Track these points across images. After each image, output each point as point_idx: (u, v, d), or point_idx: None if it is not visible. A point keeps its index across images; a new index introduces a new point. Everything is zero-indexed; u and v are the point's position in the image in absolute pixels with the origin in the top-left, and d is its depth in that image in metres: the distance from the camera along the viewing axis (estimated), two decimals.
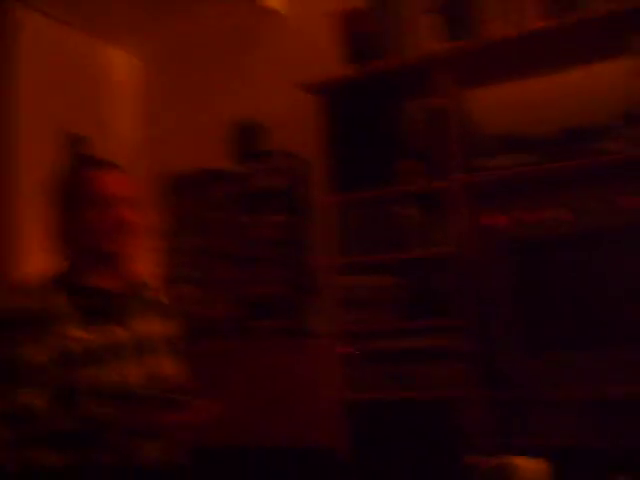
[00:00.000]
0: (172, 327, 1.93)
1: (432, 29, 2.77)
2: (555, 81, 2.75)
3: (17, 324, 1.61)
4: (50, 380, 1.60)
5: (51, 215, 1.77)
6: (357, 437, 2.69)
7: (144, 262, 1.91)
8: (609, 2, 2.43)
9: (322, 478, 1.71)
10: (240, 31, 3.63)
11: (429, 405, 2.61)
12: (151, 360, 1.76)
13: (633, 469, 1.87)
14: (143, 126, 3.97)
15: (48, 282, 1.72)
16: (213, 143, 3.54)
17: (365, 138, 2.87)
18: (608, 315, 2.41)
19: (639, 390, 2.28)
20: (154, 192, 3.51)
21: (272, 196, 3.07)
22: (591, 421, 2.41)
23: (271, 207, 3.06)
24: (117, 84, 4.01)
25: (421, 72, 2.77)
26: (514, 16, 2.60)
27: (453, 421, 2.56)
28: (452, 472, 2.35)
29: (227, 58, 3.67)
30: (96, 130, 3.76)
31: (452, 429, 2.55)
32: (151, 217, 3.32)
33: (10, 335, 1.60)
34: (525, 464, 1.63)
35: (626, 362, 2.31)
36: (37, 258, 3.24)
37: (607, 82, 2.61)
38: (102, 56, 3.93)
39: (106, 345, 1.68)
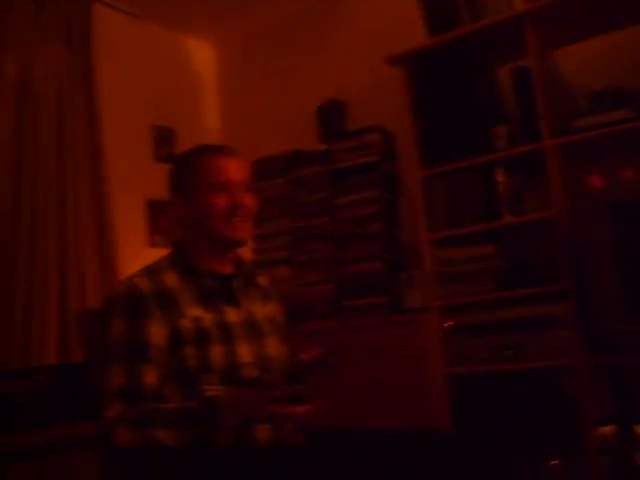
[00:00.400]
0: (276, 309, 1.97)
1: None
2: None
3: (140, 305, 1.66)
4: (167, 359, 1.66)
5: (170, 200, 1.81)
6: (462, 411, 2.66)
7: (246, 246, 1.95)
8: None
9: (428, 458, 1.69)
10: (318, 11, 3.62)
11: (535, 375, 2.55)
12: (259, 341, 1.80)
13: None
14: (227, 114, 4.03)
15: (164, 264, 1.78)
16: (300, 125, 3.56)
17: (453, 107, 2.81)
18: None
19: None
20: None
21: (362, 173, 3.05)
22: None
23: (361, 184, 3.04)
24: (198, 74, 4.08)
25: (508, 34, 2.69)
26: None
27: (561, 392, 2.50)
28: (562, 445, 2.29)
29: (307, 39, 3.67)
30: (181, 121, 3.84)
31: (560, 400, 2.49)
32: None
33: (135, 316, 1.65)
34: None
35: None
36: (133, 249, 3.36)
37: None
38: (181, 48, 4.00)
39: (218, 325, 1.72)
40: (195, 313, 1.70)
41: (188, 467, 1.66)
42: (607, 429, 2.26)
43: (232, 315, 1.77)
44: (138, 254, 3.32)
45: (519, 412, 2.55)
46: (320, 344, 1.72)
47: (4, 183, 2.91)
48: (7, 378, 2.52)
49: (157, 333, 1.65)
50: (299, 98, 3.60)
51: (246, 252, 3.17)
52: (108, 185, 3.29)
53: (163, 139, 3.76)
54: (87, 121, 3.25)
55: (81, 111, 3.23)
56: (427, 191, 2.86)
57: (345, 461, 1.72)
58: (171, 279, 1.73)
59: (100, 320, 1.74)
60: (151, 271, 1.75)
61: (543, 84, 2.62)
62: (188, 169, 1.77)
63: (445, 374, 2.71)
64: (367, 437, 1.83)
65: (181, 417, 1.57)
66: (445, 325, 2.72)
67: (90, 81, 3.29)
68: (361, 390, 2.77)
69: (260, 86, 3.84)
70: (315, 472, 1.45)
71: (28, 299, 2.89)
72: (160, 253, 1.87)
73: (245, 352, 1.74)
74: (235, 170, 1.77)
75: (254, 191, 1.83)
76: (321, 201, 3.14)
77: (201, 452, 1.66)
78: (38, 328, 2.89)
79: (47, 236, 2.99)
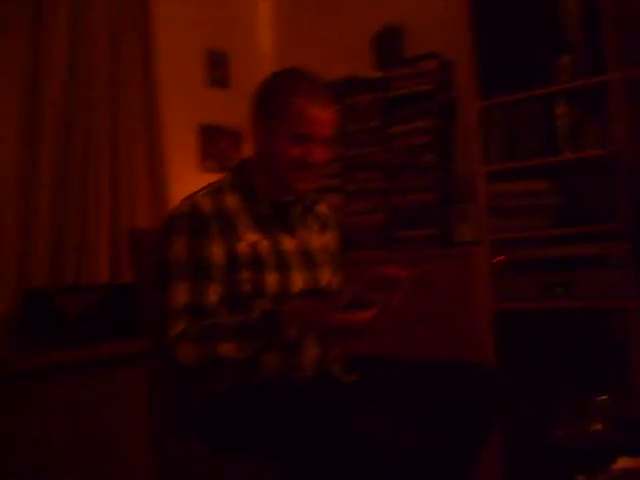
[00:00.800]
0: (332, 238, 1.96)
1: None
2: None
3: (202, 224, 1.67)
4: (224, 279, 1.67)
5: (253, 115, 1.77)
6: (508, 348, 2.65)
7: None
8: None
9: (472, 389, 1.68)
10: None
11: (584, 315, 2.51)
12: (313, 271, 1.80)
13: None
14: (281, 37, 3.95)
15: (225, 184, 1.77)
16: (355, 51, 3.46)
17: (514, 35, 2.70)
18: None
19: None
20: None
21: (417, 102, 2.96)
22: None
23: (416, 113, 2.96)
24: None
25: None
26: None
27: (611, 333, 2.45)
28: (610, 385, 2.27)
29: None
30: (234, 45, 3.78)
31: (610, 341, 2.45)
32: None
33: (197, 234, 1.66)
34: None
35: None
36: (184, 174, 3.37)
37: None
38: None
39: (274, 252, 1.72)
40: (252, 238, 1.70)
41: (232, 390, 1.70)
42: None
43: (288, 243, 1.77)
44: (189, 179, 3.32)
45: (567, 351, 2.53)
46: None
47: (57, 104, 2.92)
48: (60, 295, 2.58)
49: (217, 253, 1.66)
50: (355, 23, 3.50)
51: None
52: (160, 109, 3.27)
53: (216, 63, 3.71)
54: (140, 45, 3.22)
55: (135, 35, 3.20)
56: (484, 122, 2.78)
57: (386, 389, 1.72)
58: (231, 201, 1.73)
59: (156, 239, 1.76)
60: (212, 191, 1.74)
61: (611, 11, 2.48)
62: (280, 104, 1.70)
63: (493, 309, 2.69)
64: (410, 366, 1.82)
65: (244, 329, 1.59)
66: (496, 259, 2.68)
67: (144, 3, 3.25)
68: (406, 322, 2.77)
69: (315, 9, 3.75)
70: (357, 404, 1.46)
71: (81, 218, 2.93)
72: (212, 178, 1.85)
73: (298, 281, 1.74)
74: (324, 125, 1.70)
75: (333, 144, 1.77)
76: (374, 129, 3.07)
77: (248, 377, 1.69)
78: (91, 247, 2.94)
79: (99, 158, 3.01)
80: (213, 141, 3.61)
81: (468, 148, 2.83)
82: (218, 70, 3.72)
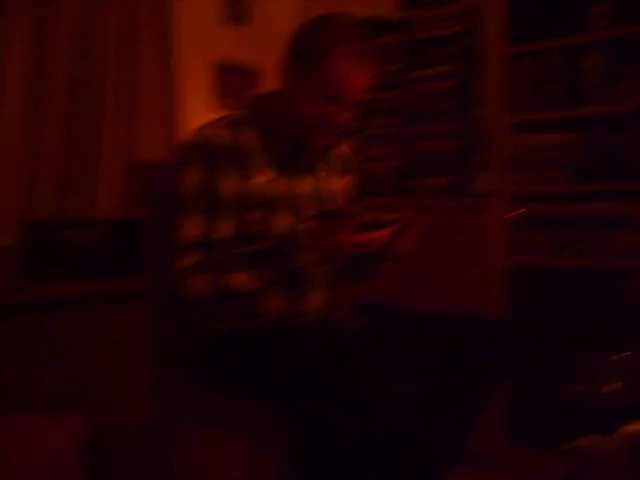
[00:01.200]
0: (351, 182, 1.89)
1: None
2: None
3: (217, 157, 1.60)
4: (235, 215, 1.61)
5: (289, 56, 1.64)
6: (520, 303, 2.59)
7: None
8: None
9: (482, 342, 1.63)
10: None
11: (602, 276, 2.44)
12: None
13: None
14: None
15: (244, 118, 1.69)
16: None
17: None
18: None
19: None
20: None
21: (441, 46, 2.85)
22: None
23: (439, 57, 2.85)
24: None
25: None
26: None
27: (628, 294, 2.39)
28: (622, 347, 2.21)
29: None
30: None
31: (626, 302, 2.38)
32: None
33: (212, 167, 1.59)
34: None
35: None
36: (201, 111, 3.28)
37: None
38: None
39: (289, 193, 1.66)
40: (268, 176, 1.63)
41: (233, 331, 1.65)
42: None
43: (305, 185, 1.70)
44: (204, 117, 3.24)
45: (581, 310, 2.47)
46: None
47: (72, 34, 2.83)
48: (64, 228, 2.54)
49: (231, 188, 1.59)
50: None
51: None
52: (176, 44, 3.17)
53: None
54: None
55: None
56: (510, 71, 2.67)
57: (393, 339, 1.67)
58: (249, 136, 1.65)
59: (164, 172, 1.70)
60: (230, 123, 1.65)
61: None
62: (317, 58, 1.57)
63: (506, 264, 2.63)
64: (419, 317, 1.77)
65: (258, 257, 1.53)
66: (517, 212, 2.60)
67: None
68: (419, 272, 2.71)
69: None
70: (362, 352, 1.41)
71: (92, 151, 2.87)
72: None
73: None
74: (358, 91, 1.60)
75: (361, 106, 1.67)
76: (395, 72, 2.97)
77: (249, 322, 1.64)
78: (102, 181, 2.89)
79: (113, 91, 2.93)
80: (230, 79, 3.51)
81: (491, 97, 2.72)
82: (238, 5, 3.59)
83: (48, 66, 2.75)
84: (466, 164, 2.80)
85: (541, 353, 2.52)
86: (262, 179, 1.62)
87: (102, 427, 2.26)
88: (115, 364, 2.57)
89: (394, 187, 2.94)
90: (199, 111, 3.28)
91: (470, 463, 1.92)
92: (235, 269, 1.52)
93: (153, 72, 3.10)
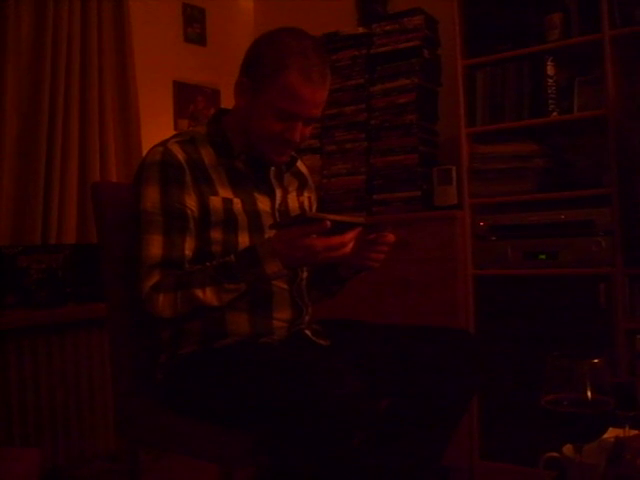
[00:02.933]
0: (310, 199, 1.86)
1: None
2: None
3: (176, 173, 1.55)
4: (197, 234, 1.57)
5: (241, 73, 1.63)
6: (488, 314, 2.58)
7: None
8: None
9: (450, 355, 1.60)
10: None
11: (569, 283, 2.43)
12: None
13: None
14: None
15: (201, 136, 1.65)
16: (338, 6, 3.35)
17: None
18: None
19: None
20: None
21: (400, 60, 2.83)
22: None
23: (399, 71, 2.83)
24: None
25: None
26: None
27: (594, 300, 2.38)
28: (590, 353, 2.20)
29: None
30: (214, 2, 3.63)
31: (593, 309, 2.38)
32: None
33: (171, 183, 1.55)
34: None
35: None
36: (158, 131, 3.24)
37: None
38: None
39: (249, 212, 1.62)
40: (226, 194, 1.59)
41: (197, 353, 1.60)
42: None
43: (264, 203, 1.66)
44: (163, 136, 3.21)
45: (549, 318, 2.46)
46: None
47: (24, 56, 2.78)
48: (22, 255, 2.47)
49: (192, 204, 1.55)
50: None
51: None
52: (134, 64, 3.13)
53: (193, 18, 3.57)
54: None
55: None
56: (469, 82, 2.68)
57: (360, 354, 1.64)
58: (206, 153, 1.61)
59: (123, 190, 1.65)
60: (187, 140, 1.61)
61: None
62: (272, 72, 1.54)
63: (474, 275, 2.61)
64: (387, 331, 1.74)
65: (220, 272, 1.47)
66: (480, 224, 2.59)
67: None
68: (385, 286, 2.69)
69: None
70: (331, 365, 1.36)
71: (48, 176, 2.80)
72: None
73: None
74: (314, 106, 1.57)
75: (315, 122, 1.66)
76: (355, 87, 2.94)
77: (214, 339, 1.60)
78: (57, 206, 2.82)
79: (68, 114, 2.87)
80: (188, 99, 3.48)
81: (452, 108, 2.72)
82: (195, 25, 3.57)
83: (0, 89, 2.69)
84: (429, 177, 2.79)
85: (510, 363, 2.50)
86: (220, 197, 1.58)
87: (63, 460, 2.19)
88: (75, 393, 2.50)
89: (358, 203, 2.91)
90: (158, 131, 3.23)
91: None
92: (198, 286, 1.47)
93: (110, 93, 3.05)
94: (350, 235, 1.43)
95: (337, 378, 1.31)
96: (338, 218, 1.40)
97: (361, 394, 1.31)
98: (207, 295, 1.47)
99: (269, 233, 1.61)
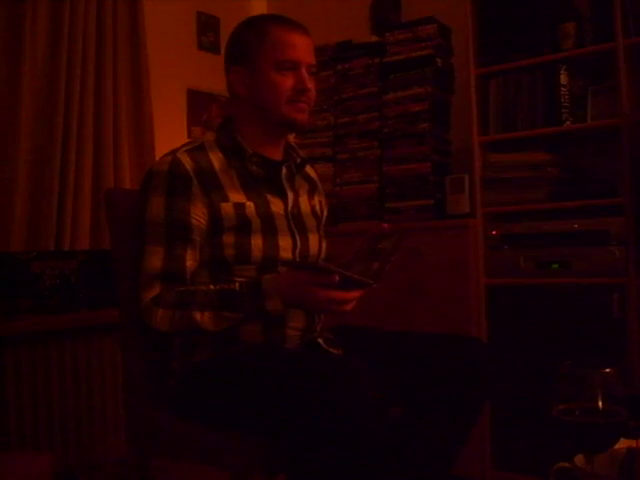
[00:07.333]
0: (321, 203, 1.87)
1: None
2: None
3: (183, 183, 1.56)
4: (205, 242, 1.58)
5: (227, 70, 1.69)
6: (500, 324, 2.57)
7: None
8: None
9: (462, 364, 1.60)
10: None
11: (582, 293, 2.42)
12: (302, 236, 1.70)
13: None
14: (275, 1, 3.81)
15: (210, 142, 1.66)
16: (352, 15, 3.35)
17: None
18: None
19: None
20: None
21: (413, 68, 2.83)
22: None
23: (412, 80, 2.83)
24: None
25: None
26: None
27: (608, 311, 2.37)
28: (603, 363, 2.19)
29: None
30: (227, 9, 3.65)
31: (607, 319, 2.36)
32: None
33: (177, 194, 1.55)
34: None
35: None
36: (172, 139, 3.26)
37: None
38: None
39: (261, 215, 1.62)
40: (238, 199, 1.59)
41: (209, 361, 1.60)
42: None
43: (276, 205, 1.66)
44: (176, 144, 3.22)
45: (562, 328, 2.44)
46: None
47: (40, 63, 2.80)
48: (36, 260, 2.48)
49: (198, 214, 1.55)
50: None
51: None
52: (148, 71, 3.15)
53: (207, 27, 3.59)
54: (129, 4, 3.09)
55: None
56: (482, 91, 2.68)
57: (372, 361, 1.64)
58: (215, 159, 1.61)
59: (136, 197, 1.66)
60: (196, 148, 1.62)
61: None
62: (256, 39, 1.62)
63: (486, 284, 2.60)
64: (399, 339, 1.74)
65: (222, 299, 1.49)
66: (493, 233, 2.58)
67: None
68: (397, 293, 2.68)
69: None
70: (344, 375, 1.36)
71: (63, 183, 2.82)
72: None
73: (286, 246, 1.64)
74: (306, 50, 1.63)
75: (315, 73, 1.70)
76: (368, 96, 2.95)
77: (228, 345, 1.60)
78: (72, 213, 2.84)
79: (83, 122, 2.89)
80: (202, 107, 3.50)
81: (465, 117, 2.72)
82: (209, 34, 3.59)
83: (16, 96, 2.71)
84: (442, 186, 2.79)
85: (522, 373, 2.49)
86: (232, 201, 1.59)
87: (73, 465, 2.20)
88: (87, 398, 2.51)
89: (371, 211, 2.91)
90: (172, 138, 3.25)
91: None
92: (197, 308, 1.49)
93: (125, 100, 3.07)
94: (355, 294, 1.45)
95: (357, 380, 1.31)
96: (347, 274, 1.40)
97: (381, 396, 1.31)
98: (205, 319, 1.49)
99: (282, 237, 1.63)
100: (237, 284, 1.51)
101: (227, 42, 1.72)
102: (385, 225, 1.56)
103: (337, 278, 1.38)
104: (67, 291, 2.50)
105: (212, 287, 1.53)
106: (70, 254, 2.62)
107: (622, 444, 1.18)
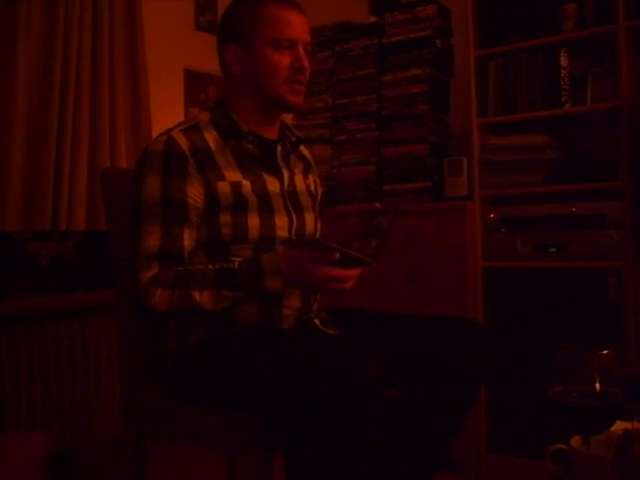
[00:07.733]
0: (316, 183, 1.86)
1: None
2: None
3: (178, 162, 1.54)
4: (201, 222, 1.57)
5: (221, 48, 1.67)
6: (497, 306, 2.57)
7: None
8: None
9: (460, 345, 1.59)
10: None
11: (579, 276, 2.42)
12: (298, 215, 1.70)
13: None
14: None
15: (205, 121, 1.65)
16: None
17: None
18: None
19: None
20: None
21: (412, 50, 2.80)
22: None
23: (411, 61, 2.81)
24: None
25: None
26: None
27: (604, 293, 2.37)
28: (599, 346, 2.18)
29: None
30: None
31: (603, 303, 2.36)
32: None
33: (172, 173, 1.54)
34: None
35: None
36: (169, 120, 3.23)
37: None
38: None
39: (258, 193, 1.61)
40: (234, 178, 1.58)
41: (205, 340, 1.60)
42: None
43: (272, 184, 1.65)
44: (174, 124, 3.20)
45: (559, 311, 2.44)
46: None
47: (35, 44, 2.77)
48: (31, 241, 2.47)
49: (194, 194, 1.54)
50: None
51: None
52: (145, 52, 3.13)
53: (205, 6, 3.56)
54: None
55: None
56: (481, 73, 2.66)
57: (368, 342, 1.63)
58: (211, 137, 1.60)
59: (132, 176, 1.64)
60: (191, 127, 1.61)
61: None
62: (250, 16, 1.60)
63: (483, 267, 2.60)
64: (392, 318, 1.74)
65: (221, 278, 1.48)
66: (491, 216, 2.57)
67: None
68: (394, 276, 2.68)
69: None
70: (342, 355, 1.35)
71: (58, 163, 2.81)
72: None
73: (283, 225, 1.63)
74: (302, 27, 1.62)
75: (311, 53, 1.69)
76: (366, 77, 2.92)
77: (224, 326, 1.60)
78: (68, 192, 2.82)
79: (79, 102, 2.87)
80: (199, 88, 3.48)
81: (464, 99, 2.70)
82: (207, 14, 3.57)
83: (10, 78, 2.69)
84: (441, 168, 2.77)
85: (518, 355, 2.49)
86: (229, 180, 1.58)
87: (69, 445, 2.20)
88: (83, 379, 2.51)
89: (368, 193, 2.89)
90: (169, 118, 3.23)
91: (450, 472, 1.88)
92: (196, 287, 1.49)
93: (121, 80, 3.05)
94: (354, 272, 1.45)
95: (356, 359, 1.30)
96: (348, 252, 1.39)
97: (380, 374, 1.30)
98: (204, 298, 1.48)
99: (278, 215, 1.62)
100: (236, 263, 1.51)
101: (221, 19, 1.70)
102: (377, 204, 1.57)
103: (338, 255, 1.37)
104: (63, 272, 2.50)
105: (211, 266, 1.53)
106: (66, 234, 2.62)
107: (618, 426, 1.18)
